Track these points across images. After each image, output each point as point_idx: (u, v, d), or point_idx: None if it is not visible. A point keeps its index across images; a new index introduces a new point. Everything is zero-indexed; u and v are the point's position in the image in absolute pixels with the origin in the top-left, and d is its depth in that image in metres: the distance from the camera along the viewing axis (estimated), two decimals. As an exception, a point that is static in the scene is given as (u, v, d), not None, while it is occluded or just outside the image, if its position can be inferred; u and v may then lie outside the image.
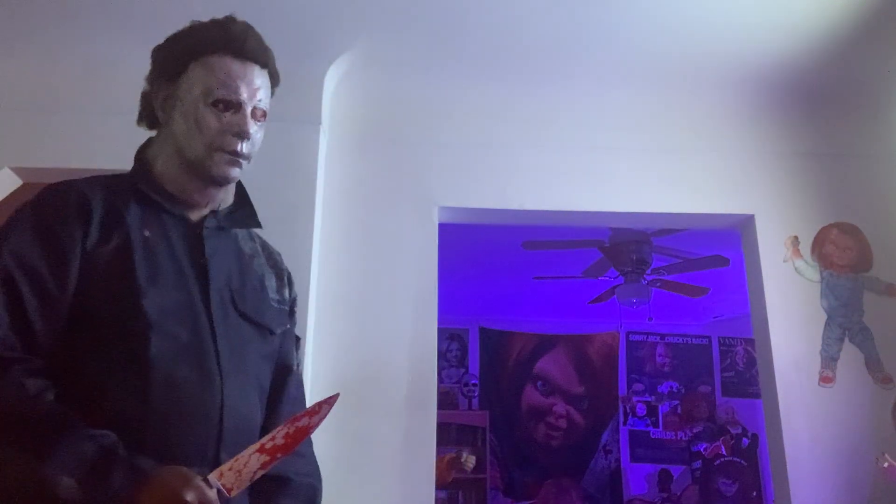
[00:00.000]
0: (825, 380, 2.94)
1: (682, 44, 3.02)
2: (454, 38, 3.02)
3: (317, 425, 1.13)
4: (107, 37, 2.98)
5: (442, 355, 7.18)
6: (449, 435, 6.65)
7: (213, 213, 1.28)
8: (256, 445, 1.09)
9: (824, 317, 3.01)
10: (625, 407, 7.30)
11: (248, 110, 1.24)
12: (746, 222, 3.20)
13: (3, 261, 1.10)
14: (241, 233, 1.34)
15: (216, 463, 1.11)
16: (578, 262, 5.41)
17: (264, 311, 1.29)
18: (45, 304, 1.10)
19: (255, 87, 1.25)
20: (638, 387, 7.36)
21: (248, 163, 1.26)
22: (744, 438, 6.75)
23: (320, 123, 3.00)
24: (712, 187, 3.19)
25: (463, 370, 7.29)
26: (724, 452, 6.68)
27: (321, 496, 1.32)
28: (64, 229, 1.13)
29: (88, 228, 1.15)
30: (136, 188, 1.24)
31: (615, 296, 5.59)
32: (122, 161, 3.06)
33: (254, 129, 1.25)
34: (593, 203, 3.17)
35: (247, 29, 1.28)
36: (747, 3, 2.79)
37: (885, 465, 2.63)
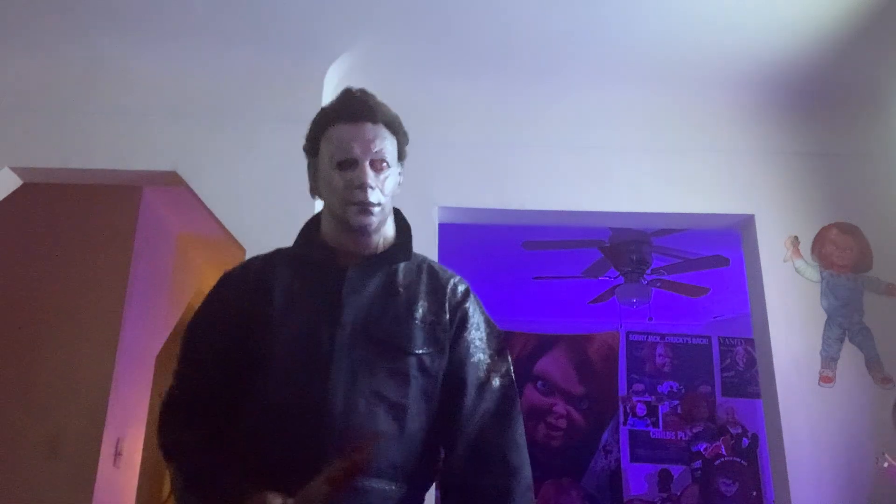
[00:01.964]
0: (825, 380, 2.94)
1: (682, 44, 3.02)
2: (454, 38, 3.02)
3: (367, 459, 1.27)
4: (107, 37, 2.99)
5: (442, 355, 7.16)
6: (449, 435, 6.64)
7: (363, 258, 1.46)
8: (324, 476, 1.24)
9: (824, 317, 3.01)
10: (625, 407, 7.30)
11: (366, 164, 1.41)
12: (746, 222, 3.20)
13: (186, 333, 1.49)
14: (405, 265, 1.50)
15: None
16: (578, 262, 5.41)
17: (401, 333, 1.40)
18: (209, 362, 1.43)
19: (368, 141, 1.42)
20: (638, 387, 7.35)
21: (383, 210, 1.43)
22: (744, 438, 6.75)
23: (320, 123, 3.00)
24: (712, 187, 3.19)
25: (463, 370, 7.28)
26: (724, 452, 6.67)
27: (518, 491, 1.36)
28: (226, 305, 1.48)
29: (246, 299, 1.45)
30: (291, 254, 1.51)
31: (615, 296, 5.59)
32: (122, 161, 3.09)
33: (373, 177, 1.41)
34: (593, 203, 3.16)
35: (355, 94, 1.47)
36: (747, 4, 2.79)
37: (885, 465, 2.63)
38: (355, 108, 1.44)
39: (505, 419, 1.40)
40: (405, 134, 1.51)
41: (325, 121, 1.46)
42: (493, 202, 3.15)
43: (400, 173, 1.51)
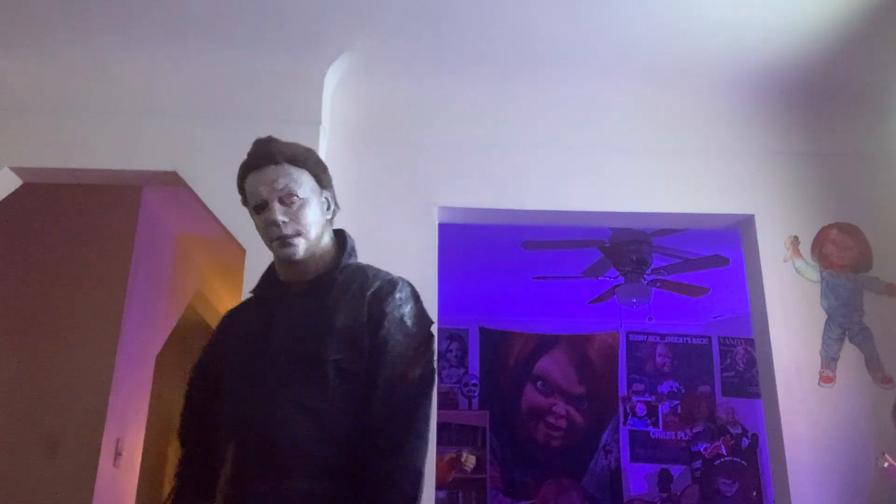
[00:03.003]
0: (825, 380, 2.94)
1: (682, 44, 3.02)
2: (454, 38, 3.02)
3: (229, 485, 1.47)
4: (107, 37, 2.99)
5: (442, 355, 7.17)
6: (449, 435, 6.65)
7: (304, 284, 1.61)
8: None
9: (824, 317, 3.01)
10: (625, 407, 7.30)
11: (275, 203, 1.56)
12: (746, 222, 3.20)
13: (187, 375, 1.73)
14: (342, 280, 1.60)
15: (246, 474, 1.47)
16: (578, 262, 5.41)
17: (317, 344, 1.51)
18: (197, 399, 1.69)
19: (272, 181, 1.57)
20: (638, 387, 7.36)
21: (305, 238, 1.56)
22: (744, 438, 6.75)
23: (320, 123, 3.00)
24: (712, 187, 3.19)
25: (463, 370, 7.28)
26: (724, 452, 6.68)
27: (399, 473, 1.43)
28: (210, 348, 1.72)
29: (216, 347, 1.70)
30: (253, 294, 1.69)
31: (615, 296, 5.59)
32: (122, 161, 3.09)
33: (283, 212, 1.56)
34: (593, 203, 3.16)
35: (258, 143, 1.62)
36: (747, 4, 2.79)
37: (885, 465, 2.63)
38: (258, 155, 1.60)
39: (412, 410, 1.46)
40: (317, 163, 1.64)
41: (241, 175, 1.63)
42: (493, 202, 3.15)
43: (328, 198, 1.65)
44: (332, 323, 1.53)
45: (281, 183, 1.56)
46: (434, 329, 1.60)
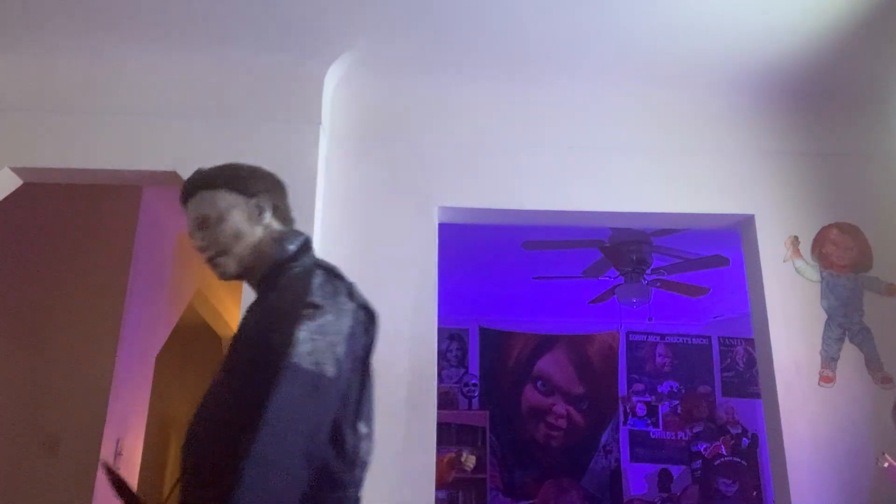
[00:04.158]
0: (825, 380, 2.94)
1: (682, 44, 3.02)
2: (454, 38, 3.02)
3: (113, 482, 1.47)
4: (107, 37, 2.99)
5: (442, 355, 7.17)
6: (449, 435, 6.65)
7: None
8: None
9: (824, 317, 3.01)
10: (625, 407, 7.30)
11: (194, 232, 1.56)
12: (746, 222, 3.20)
13: None
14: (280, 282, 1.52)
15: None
16: (578, 262, 5.41)
17: (234, 360, 1.47)
18: None
19: (188, 215, 1.59)
20: (638, 387, 7.36)
21: (229, 254, 1.54)
22: (744, 438, 6.76)
23: (320, 123, 3.00)
24: (712, 187, 3.19)
25: (463, 370, 7.28)
26: (724, 452, 6.68)
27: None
28: None
29: None
30: None
31: (615, 296, 5.59)
32: (122, 161, 3.08)
33: (201, 237, 1.55)
34: (593, 203, 3.16)
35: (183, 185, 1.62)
36: (747, 4, 2.79)
37: (885, 465, 2.63)
38: (181, 196, 1.62)
39: (252, 426, 1.23)
40: (233, 176, 1.61)
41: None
42: (493, 202, 3.15)
43: (259, 204, 1.58)
44: (246, 334, 1.48)
45: (193, 212, 1.57)
46: (307, 323, 1.36)
